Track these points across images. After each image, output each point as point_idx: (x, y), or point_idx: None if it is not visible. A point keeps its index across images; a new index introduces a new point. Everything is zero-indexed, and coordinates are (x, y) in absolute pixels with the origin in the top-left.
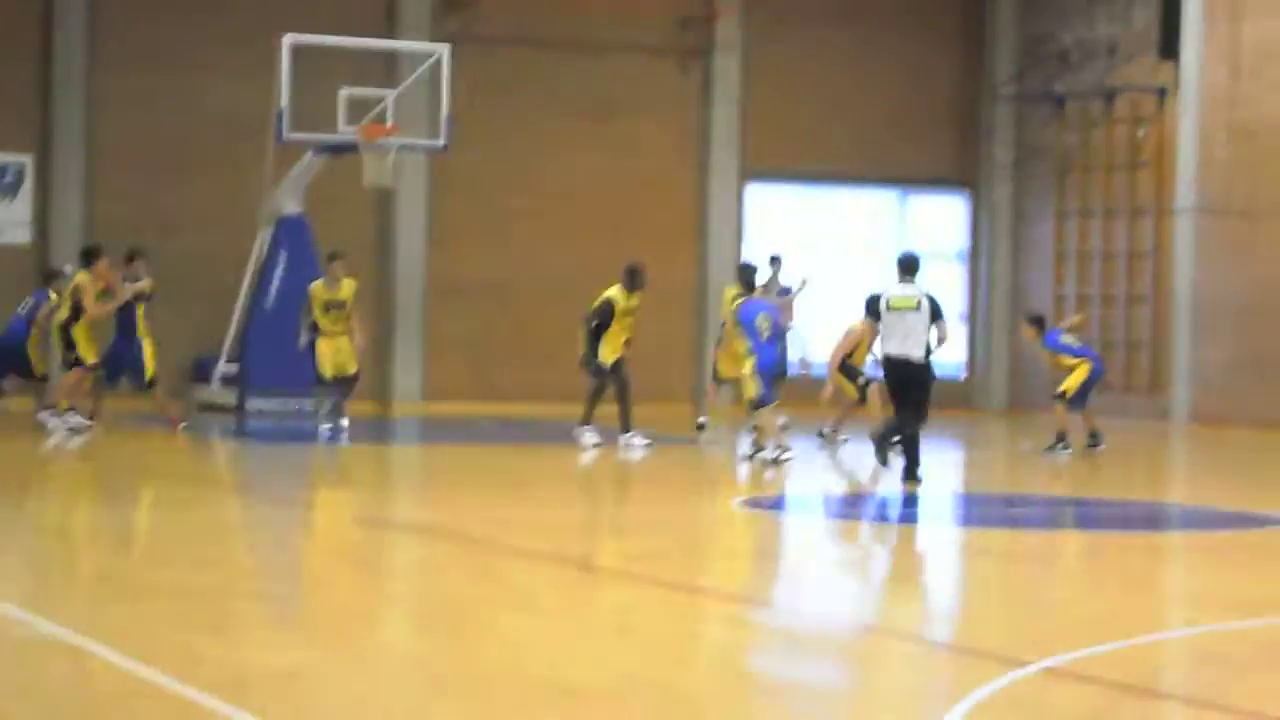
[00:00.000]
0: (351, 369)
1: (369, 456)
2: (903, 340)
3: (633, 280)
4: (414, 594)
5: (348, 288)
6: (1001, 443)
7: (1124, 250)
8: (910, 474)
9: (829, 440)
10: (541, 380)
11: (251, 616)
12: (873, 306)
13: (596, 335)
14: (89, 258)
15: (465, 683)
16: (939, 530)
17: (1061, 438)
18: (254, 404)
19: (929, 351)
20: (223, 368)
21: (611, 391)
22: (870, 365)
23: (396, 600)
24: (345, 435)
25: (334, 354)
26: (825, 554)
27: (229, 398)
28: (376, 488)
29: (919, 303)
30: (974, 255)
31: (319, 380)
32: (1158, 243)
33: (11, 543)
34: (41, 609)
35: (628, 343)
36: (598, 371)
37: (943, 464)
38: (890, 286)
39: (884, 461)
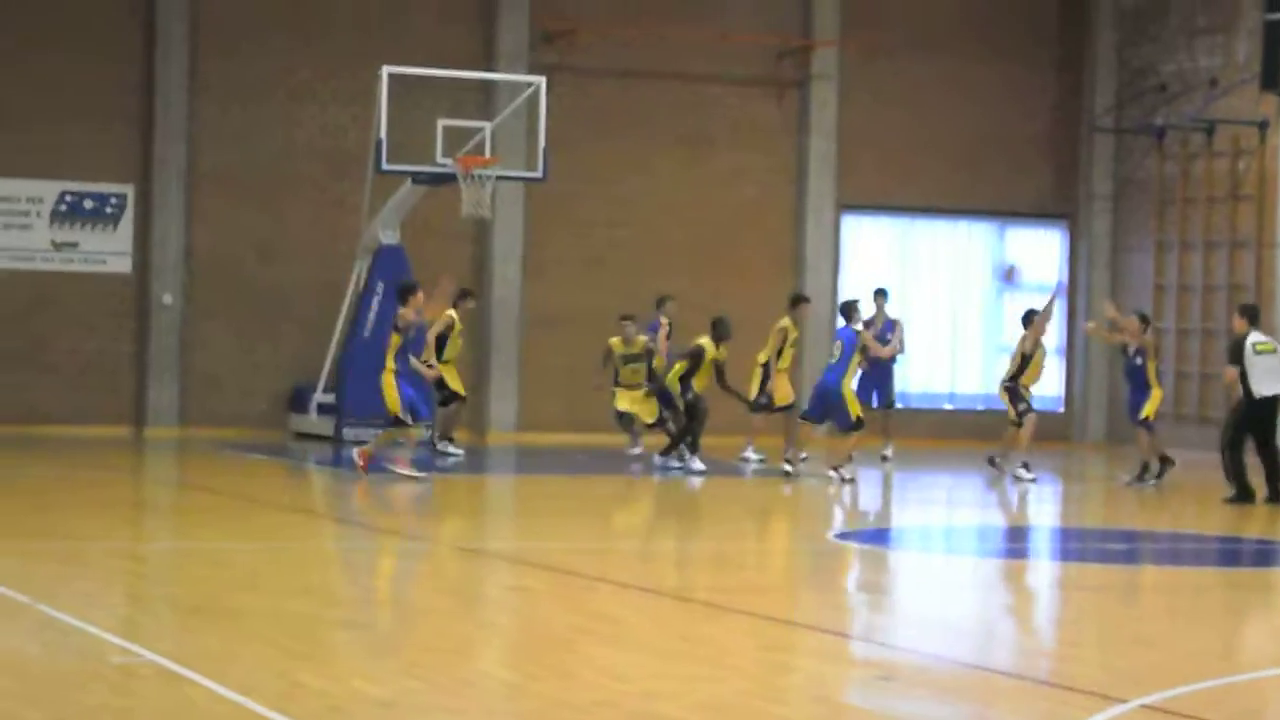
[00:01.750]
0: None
1: (464, 487)
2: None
3: (717, 331)
4: (509, 625)
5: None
6: (1099, 476)
7: (1224, 283)
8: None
9: (1000, 470)
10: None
11: (348, 646)
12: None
13: (686, 378)
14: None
15: (560, 713)
16: (1037, 564)
17: (1147, 467)
18: (350, 433)
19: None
20: (319, 397)
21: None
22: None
23: (492, 631)
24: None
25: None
26: (922, 588)
27: (326, 427)
28: (472, 518)
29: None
30: (1072, 287)
31: None
32: (1258, 276)
33: (110, 571)
34: (139, 637)
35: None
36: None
37: (1041, 498)
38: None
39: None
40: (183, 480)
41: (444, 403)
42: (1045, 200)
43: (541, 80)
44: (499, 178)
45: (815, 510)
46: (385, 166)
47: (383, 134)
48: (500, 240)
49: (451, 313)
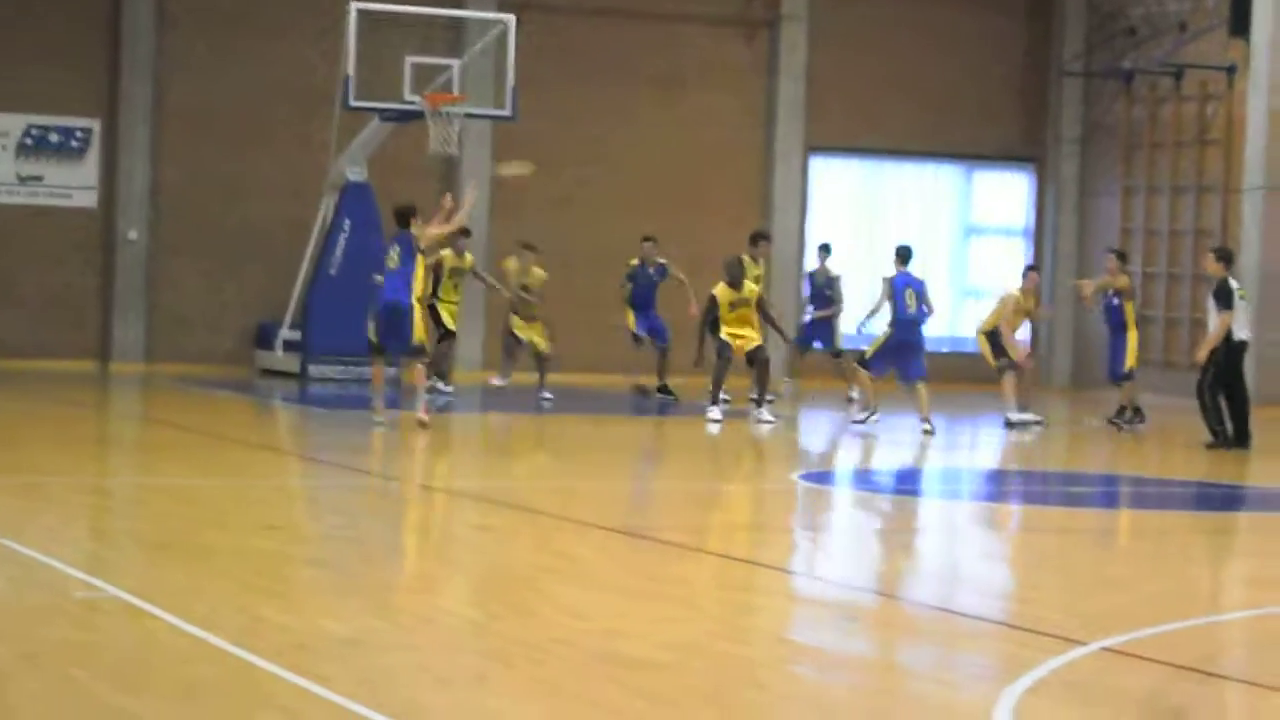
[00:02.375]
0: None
1: (438, 425)
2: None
3: (729, 274)
4: (474, 563)
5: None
6: (1065, 420)
7: (1190, 228)
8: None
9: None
10: (601, 350)
11: (312, 583)
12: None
13: (713, 329)
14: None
15: (524, 652)
16: (999, 507)
17: (1123, 410)
18: (316, 370)
19: None
20: (286, 334)
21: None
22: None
23: (456, 569)
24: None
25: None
26: (884, 530)
27: (292, 364)
28: (437, 456)
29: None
30: (1039, 231)
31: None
32: (1225, 220)
33: (75, 506)
34: (103, 572)
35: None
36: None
37: (1005, 441)
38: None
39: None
40: (148, 416)
41: (438, 340)
42: (1013, 144)
43: (511, 19)
44: (467, 115)
45: (782, 451)
46: (353, 103)
47: (350, 70)
48: (467, 178)
49: (446, 252)
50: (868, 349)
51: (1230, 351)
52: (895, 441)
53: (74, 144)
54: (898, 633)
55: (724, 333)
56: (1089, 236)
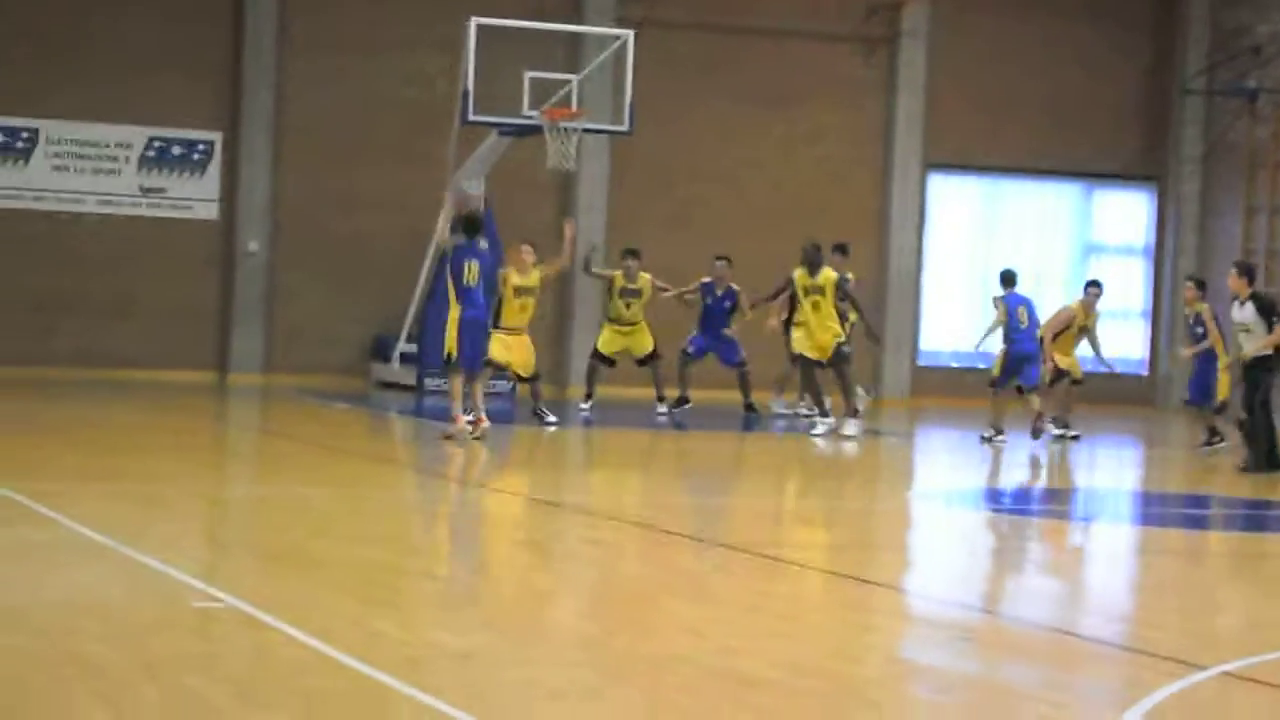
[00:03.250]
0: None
1: (545, 439)
2: None
3: (807, 259)
4: (588, 578)
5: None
6: (1181, 441)
7: None
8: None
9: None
10: (717, 367)
11: (426, 596)
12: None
13: (787, 326)
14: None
15: (638, 667)
16: (1117, 529)
17: (1215, 432)
18: (432, 383)
19: None
20: (402, 346)
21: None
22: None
23: (570, 583)
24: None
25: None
26: (1003, 551)
27: (408, 376)
28: (552, 470)
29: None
30: (1159, 251)
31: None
32: None
33: (192, 515)
34: (220, 582)
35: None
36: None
37: (1122, 462)
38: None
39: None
40: (265, 427)
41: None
42: (1134, 163)
43: (629, 34)
44: (584, 130)
45: (895, 468)
46: (471, 117)
47: (469, 85)
48: (584, 193)
49: (617, 272)
50: (993, 369)
51: (1248, 368)
52: (1009, 462)
53: (196, 156)
54: (1012, 653)
55: (795, 344)
56: (1210, 256)
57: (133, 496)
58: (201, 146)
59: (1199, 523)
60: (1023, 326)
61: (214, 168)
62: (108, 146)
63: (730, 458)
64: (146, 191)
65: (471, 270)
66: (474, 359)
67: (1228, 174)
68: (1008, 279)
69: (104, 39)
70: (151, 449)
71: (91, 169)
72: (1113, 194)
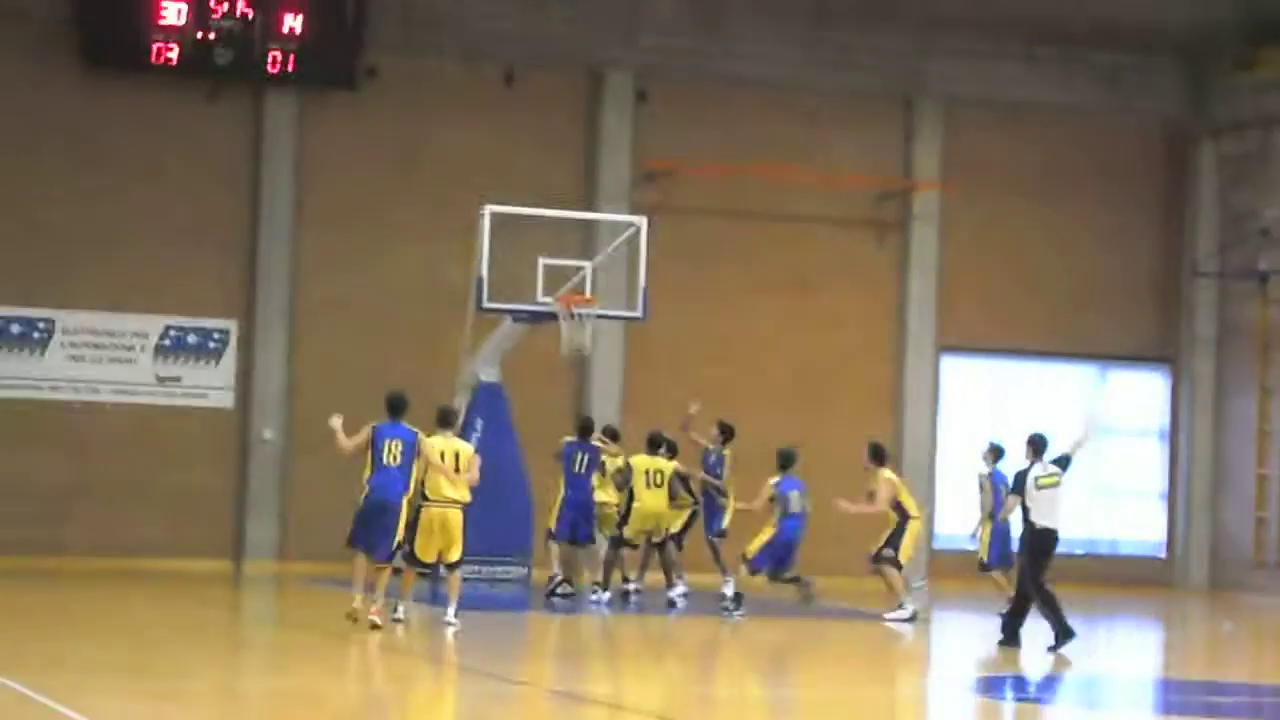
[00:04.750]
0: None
1: (560, 625)
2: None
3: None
4: None
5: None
6: (1201, 623)
7: None
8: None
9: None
10: (735, 552)
11: None
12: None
13: None
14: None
15: None
16: (1139, 718)
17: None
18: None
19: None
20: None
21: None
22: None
23: None
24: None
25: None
26: None
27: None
28: (568, 658)
29: (1058, 478)
30: (1174, 432)
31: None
32: None
33: (211, 712)
34: None
35: None
36: None
37: (1143, 646)
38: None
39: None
40: (281, 617)
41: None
42: (1147, 344)
43: (643, 221)
44: (599, 316)
45: (914, 653)
46: (486, 304)
47: (484, 272)
48: (599, 378)
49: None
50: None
51: (1035, 538)
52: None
53: (211, 345)
54: None
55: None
56: (1225, 437)
57: (147, 692)
58: (217, 334)
59: (1219, 710)
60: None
61: (229, 355)
62: (124, 335)
63: (742, 644)
64: (162, 380)
65: (393, 449)
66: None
67: (1241, 355)
68: (995, 451)
69: (117, 225)
70: (166, 642)
71: (108, 358)
72: (1127, 374)
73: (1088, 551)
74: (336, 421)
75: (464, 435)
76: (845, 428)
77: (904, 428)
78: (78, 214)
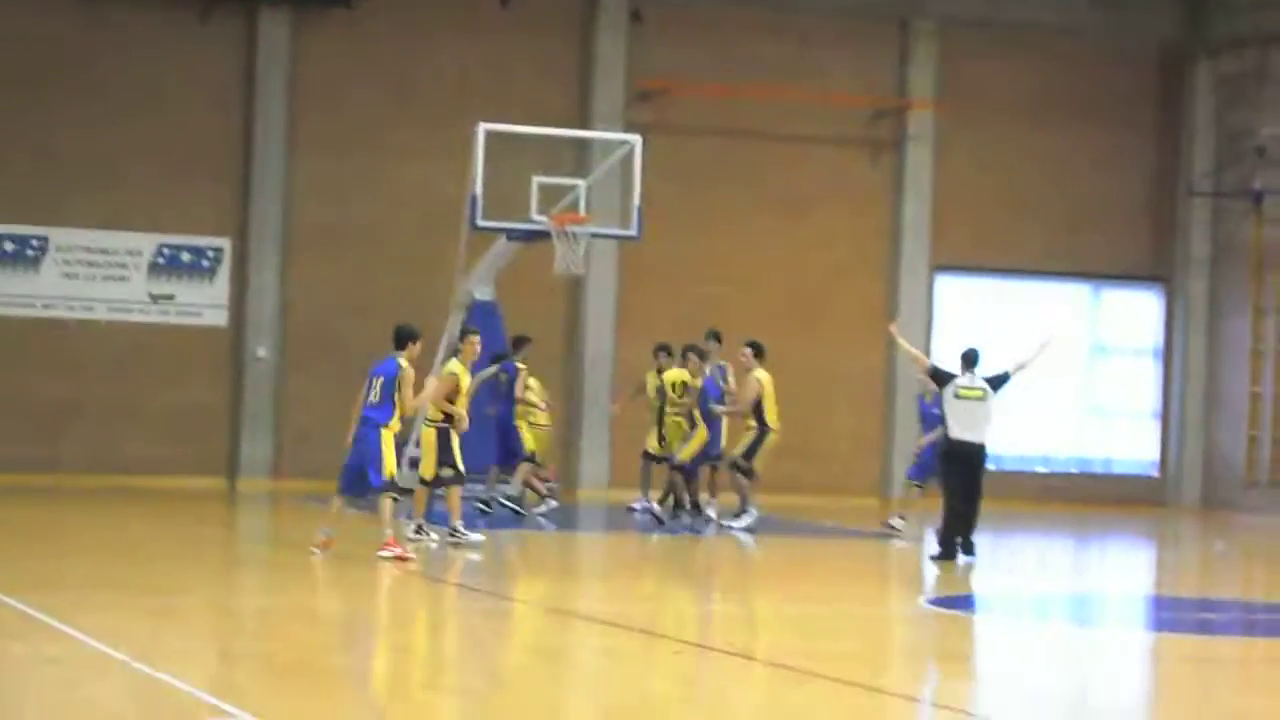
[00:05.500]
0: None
1: (555, 544)
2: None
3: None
4: (599, 688)
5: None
6: (1194, 542)
7: None
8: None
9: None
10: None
11: (441, 708)
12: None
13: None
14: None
15: None
16: (1131, 635)
17: None
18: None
19: None
20: (411, 451)
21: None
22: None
23: (582, 694)
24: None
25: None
26: (1013, 657)
27: (418, 481)
28: (561, 577)
29: (984, 392)
30: (1168, 351)
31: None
32: None
33: (204, 627)
34: (233, 696)
35: None
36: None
37: (1135, 564)
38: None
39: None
40: (275, 535)
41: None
42: (1142, 263)
43: (637, 140)
44: (593, 235)
45: (904, 573)
46: (480, 223)
47: (478, 190)
48: (593, 297)
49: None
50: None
51: (948, 448)
52: (1017, 567)
53: (205, 263)
54: None
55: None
56: (1219, 356)
57: (143, 608)
58: (210, 253)
59: (1216, 628)
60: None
61: (223, 274)
62: (117, 253)
63: (730, 563)
64: (156, 298)
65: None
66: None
67: (1235, 274)
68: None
69: (112, 146)
70: (162, 559)
71: (101, 276)
72: (1121, 294)
73: (1081, 470)
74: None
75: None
76: (838, 346)
77: (896, 346)
78: (71, 136)
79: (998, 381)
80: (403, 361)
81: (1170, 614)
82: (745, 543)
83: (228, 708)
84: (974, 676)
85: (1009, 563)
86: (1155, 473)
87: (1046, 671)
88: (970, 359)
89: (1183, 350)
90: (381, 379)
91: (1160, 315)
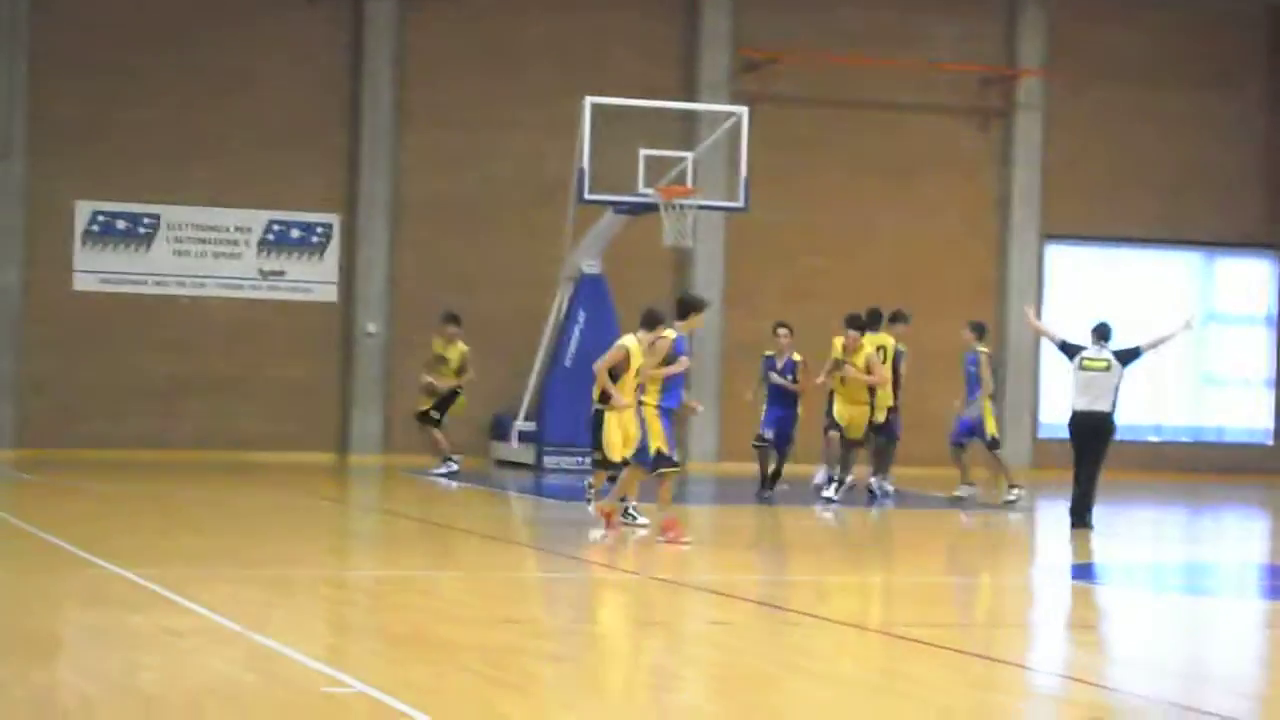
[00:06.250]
0: None
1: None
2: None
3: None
4: (713, 659)
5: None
6: None
7: None
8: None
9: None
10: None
11: (553, 679)
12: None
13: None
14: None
15: None
16: (1244, 603)
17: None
18: (551, 461)
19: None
20: (521, 424)
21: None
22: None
23: (695, 665)
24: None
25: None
26: (1125, 625)
27: (527, 455)
28: (670, 550)
29: (1109, 364)
30: None
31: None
32: None
33: (317, 599)
34: (347, 666)
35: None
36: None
37: (1249, 533)
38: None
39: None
40: (386, 508)
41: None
42: (1255, 231)
43: (743, 111)
44: (700, 207)
45: (1017, 544)
46: (587, 196)
47: (585, 164)
48: (701, 269)
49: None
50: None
51: (1070, 420)
52: (1132, 536)
53: (315, 239)
54: None
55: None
56: None
57: (259, 581)
58: (320, 229)
59: None
60: None
61: (332, 250)
62: (228, 230)
63: (837, 532)
64: (266, 275)
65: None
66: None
67: None
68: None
69: (222, 124)
70: (275, 532)
71: (212, 253)
72: (1234, 261)
73: (1194, 439)
74: None
75: (566, 327)
76: (948, 316)
77: (1007, 316)
78: (181, 117)
79: (1128, 356)
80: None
81: None
82: (845, 513)
83: (342, 677)
84: (1096, 647)
85: (1126, 532)
86: (1269, 441)
87: (1169, 640)
88: (1103, 332)
89: None
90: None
91: (1274, 282)
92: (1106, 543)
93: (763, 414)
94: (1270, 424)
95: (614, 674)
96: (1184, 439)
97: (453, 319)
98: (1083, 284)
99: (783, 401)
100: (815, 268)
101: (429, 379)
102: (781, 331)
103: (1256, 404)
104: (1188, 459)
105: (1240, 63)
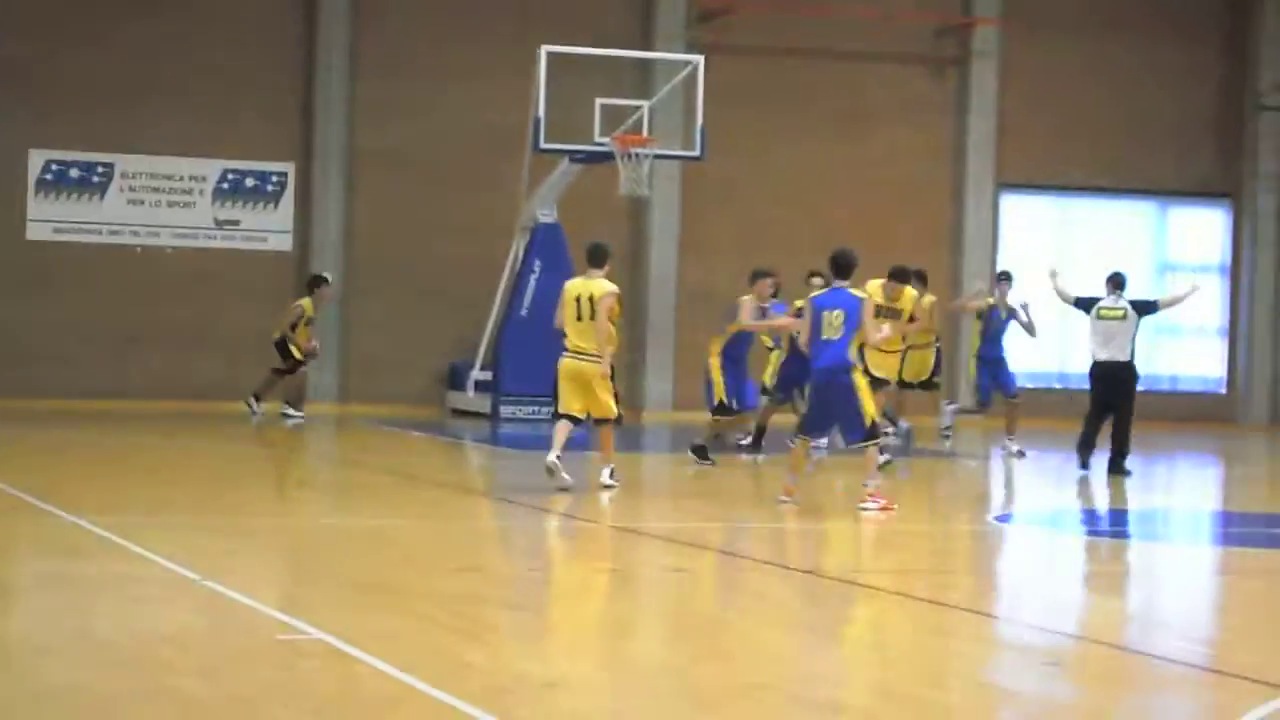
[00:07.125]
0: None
1: (621, 465)
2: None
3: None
4: (669, 605)
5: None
6: (1262, 459)
7: None
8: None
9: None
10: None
11: (510, 626)
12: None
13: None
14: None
15: (722, 696)
16: (1197, 549)
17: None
18: (507, 410)
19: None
20: (476, 374)
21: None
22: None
23: (652, 611)
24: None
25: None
26: (1080, 572)
27: (483, 404)
28: (628, 496)
29: (1125, 313)
30: (1235, 268)
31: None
32: None
33: (274, 547)
34: (304, 614)
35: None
36: None
37: (1202, 481)
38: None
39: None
40: (343, 457)
41: (291, 370)
42: (1209, 179)
43: (699, 59)
44: (656, 156)
45: (967, 491)
46: (543, 145)
47: (541, 113)
48: (657, 218)
49: (303, 302)
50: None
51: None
52: (1083, 482)
53: (269, 188)
54: (1099, 678)
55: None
56: None
57: (214, 529)
58: (275, 178)
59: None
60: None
61: (287, 199)
62: (182, 179)
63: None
64: (221, 224)
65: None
66: None
67: None
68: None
69: (176, 73)
70: (231, 480)
71: (166, 202)
72: (1187, 211)
73: (1148, 388)
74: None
75: (522, 277)
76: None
77: (963, 265)
78: (134, 62)
79: (1145, 308)
80: (859, 293)
81: (1238, 529)
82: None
83: (299, 625)
84: (1046, 592)
85: (1071, 480)
86: (1223, 390)
87: (1120, 585)
88: (1118, 281)
89: (1250, 267)
90: (842, 312)
91: (1227, 231)
92: (1058, 493)
93: (776, 368)
94: (1224, 373)
95: (570, 621)
96: (1138, 388)
97: (324, 280)
98: (1037, 232)
99: (796, 349)
100: (771, 216)
101: (315, 342)
102: (769, 281)
103: (1210, 353)
104: (1143, 407)
105: (1195, 11)
